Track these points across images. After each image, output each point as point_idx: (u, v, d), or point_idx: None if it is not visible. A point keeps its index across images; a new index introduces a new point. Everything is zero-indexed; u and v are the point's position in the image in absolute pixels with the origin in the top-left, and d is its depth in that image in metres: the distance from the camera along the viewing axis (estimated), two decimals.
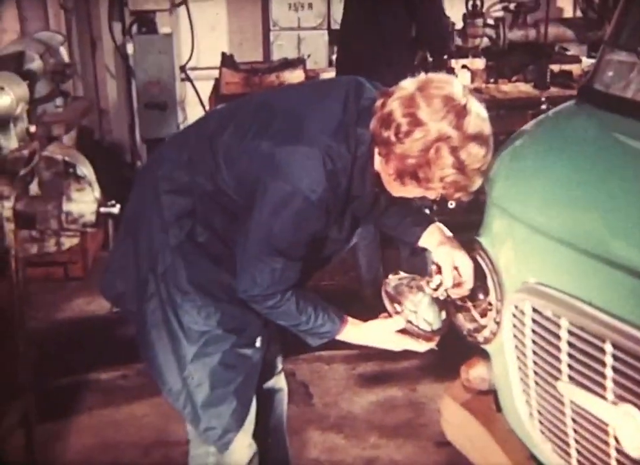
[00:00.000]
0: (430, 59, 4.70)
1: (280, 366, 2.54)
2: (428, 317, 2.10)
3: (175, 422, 3.14)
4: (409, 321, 2.09)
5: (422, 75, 1.94)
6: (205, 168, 2.08)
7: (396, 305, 2.11)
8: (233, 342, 2.14)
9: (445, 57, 5.01)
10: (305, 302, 2.05)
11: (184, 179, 2.11)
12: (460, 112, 1.85)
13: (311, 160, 1.92)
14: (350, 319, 2.13)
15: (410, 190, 1.98)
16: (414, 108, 1.85)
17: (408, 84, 1.91)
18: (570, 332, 1.75)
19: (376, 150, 1.96)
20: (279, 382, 2.55)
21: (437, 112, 1.84)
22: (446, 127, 1.83)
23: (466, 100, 1.87)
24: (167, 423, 3.27)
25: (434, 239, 2.21)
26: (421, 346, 2.15)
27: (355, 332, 2.14)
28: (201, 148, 2.11)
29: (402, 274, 2.21)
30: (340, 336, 2.13)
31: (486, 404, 2.25)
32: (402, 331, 2.12)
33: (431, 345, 2.16)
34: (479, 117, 1.88)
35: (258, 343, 2.18)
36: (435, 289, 2.11)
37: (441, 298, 2.12)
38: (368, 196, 2.05)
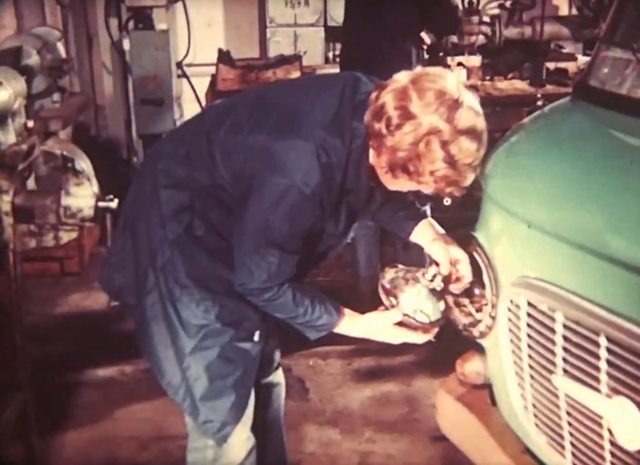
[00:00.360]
0: (427, 56, 4.72)
1: (278, 361, 2.55)
2: (425, 309, 2.10)
3: (173, 417, 3.15)
4: (405, 314, 2.10)
5: (418, 69, 1.94)
6: (202, 164, 2.09)
7: (391, 299, 2.11)
8: (232, 336, 2.15)
9: (441, 54, 5.04)
10: (302, 295, 2.06)
11: (182, 174, 2.12)
12: (452, 106, 1.84)
13: (306, 154, 1.93)
14: (347, 311, 2.14)
15: (403, 184, 1.98)
16: (406, 101, 1.85)
17: (401, 77, 1.91)
18: (565, 326, 1.77)
19: (370, 143, 1.97)
20: (277, 376, 2.56)
21: (428, 105, 1.83)
22: (437, 120, 1.83)
23: (459, 94, 1.86)
24: (164, 418, 3.28)
25: (426, 234, 2.23)
26: (419, 338, 2.15)
27: (352, 324, 2.14)
28: (198, 143, 2.12)
29: (399, 266, 2.21)
30: (338, 329, 2.14)
31: (481, 398, 2.27)
32: (400, 324, 2.12)
33: (429, 336, 2.15)
34: (471, 112, 1.87)
35: (256, 337, 2.19)
36: (431, 280, 2.11)
37: (438, 289, 2.12)
38: (363, 189, 2.06)
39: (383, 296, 2.14)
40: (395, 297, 2.11)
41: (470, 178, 1.92)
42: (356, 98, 2.00)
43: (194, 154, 2.12)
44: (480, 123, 1.89)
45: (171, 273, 2.12)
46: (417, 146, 1.84)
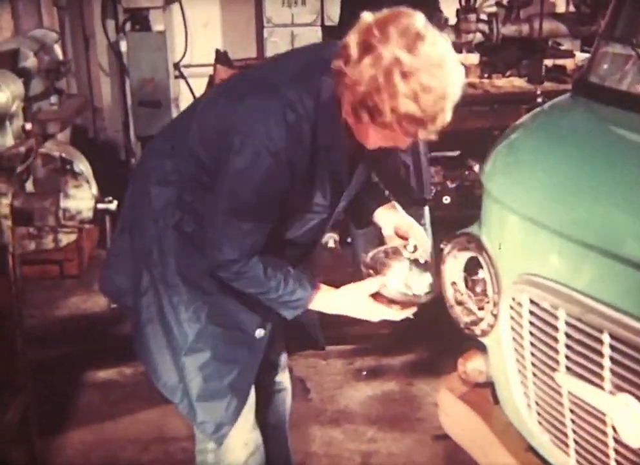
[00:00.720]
0: None
1: (284, 364, 2.51)
2: (408, 280, 2.03)
3: (173, 418, 3.16)
4: (385, 285, 2.02)
5: (386, 10, 1.86)
6: (185, 152, 2.06)
7: (370, 271, 2.06)
8: (226, 336, 2.12)
9: None
10: (274, 269, 2.00)
11: (169, 168, 2.10)
12: (415, 38, 1.76)
13: (271, 112, 1.88)
14: (323, 286, 2.06)
15: (370, 132, 1.89)
16: (368, 36, 1.78)
17: (367, 16, 1.84)
18: (568, 324, 1.76)
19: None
20: (283, 380, 2.53)
21: (390, 38, 1.76)
22: (398, 51, 1.74)
23: (425, 30, 1.78)
24: (165, 420, 3.27)
25: (389, 217, 2.22)
26: (397, 315, 2.08)
27: (328, 299, 2.07)
28: (183, 133, 2.10)
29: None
30: (314, 305, 2.06)
31: (484, 396, 2.26)
32: (379, 299, 2.04)
33: (408, 313, 2.08)
34: (435, 47, 1.78)
35: (258, 334, 2.15)
36: (413, 251, 2.04)
37: (422, 260, 2.05)
38: (339, 148, 1.97)
39: (364, 271, 2.09)
40: (374, 269, 2.05)
41: (437, 120, 1.80)
42: (327, 55, 1.91)
43: (178, 143, 2.10)
44: (447, 61, 1.79)
45: (163, 272, 2.11)
46: (377, 79, 1.76)
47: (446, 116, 1.82)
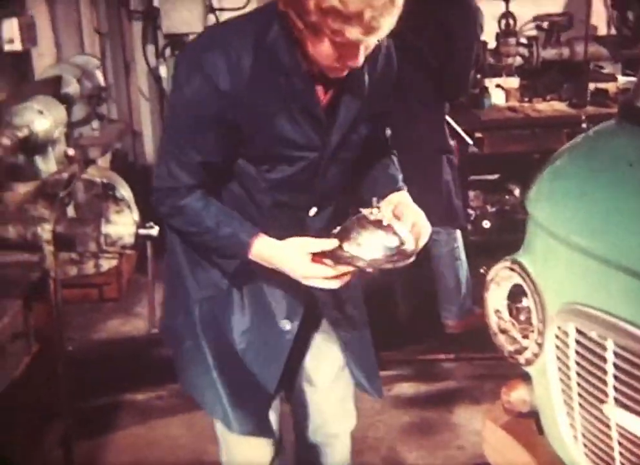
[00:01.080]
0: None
1: (336, 403, 2.49)
2: (366, 242, 1.90)
3: (211, 443, 3.12)
4: (341, 248, 1.91)
5: None
6: None
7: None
8: (250, 334, 2.11)
9: (478, 76, 5.00)
10: (217, 210, 1.94)
11: None
12: None
13: (211, 36, 1.93)
14: (264, 235, 1.95)
15: (306, 42, 1.79)
16: None
17: None
18: (616, 354, 1.72)
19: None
20: (334, 426, 2.51)
21: None
22: None
23: None
24: (203, 443, 3.26)
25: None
26: (330, 282, 1.93)
27: (266, 248, 1.94)
28: None
29: None
30: (255, 253, 1.94)
31: (528, 426, 2.22)
32: (317, 259, 1.92)
33: (343, 281, 1.95)
34: None
35: (283, 326, 2.11)
36: (378, 212, 1.93)
37: (385, 222, 1.92)
38: (296, 70, 1.86)
39: None
40: (340, 239, 1.93)
41: (363, 16, 1.68)
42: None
43: None
44: None
45: (178, 288, 2.13)
46: None
47: (379, 17, 1.70)
